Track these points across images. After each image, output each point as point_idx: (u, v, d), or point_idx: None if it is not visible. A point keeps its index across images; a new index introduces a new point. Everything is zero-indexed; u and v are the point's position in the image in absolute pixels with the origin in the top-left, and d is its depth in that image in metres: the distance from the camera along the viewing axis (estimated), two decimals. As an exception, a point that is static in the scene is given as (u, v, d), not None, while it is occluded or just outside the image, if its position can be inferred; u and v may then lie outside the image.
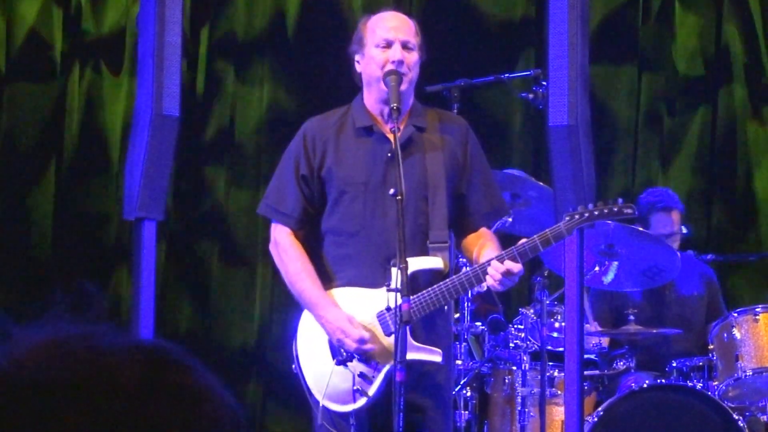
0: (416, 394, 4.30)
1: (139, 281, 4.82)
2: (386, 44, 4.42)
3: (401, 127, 4.39)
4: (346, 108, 4.57)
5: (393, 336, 4.15)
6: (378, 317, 4.32)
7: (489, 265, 4.26)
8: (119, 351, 1.17)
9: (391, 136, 4.36)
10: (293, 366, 4.47)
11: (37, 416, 1.11)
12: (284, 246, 4.50)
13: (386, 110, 4.39)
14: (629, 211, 4.44)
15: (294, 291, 4.46)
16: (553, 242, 4.35)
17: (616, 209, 4.42)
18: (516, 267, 4.24)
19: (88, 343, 1.17)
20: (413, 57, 4.42)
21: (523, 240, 4.32)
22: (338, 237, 4.45)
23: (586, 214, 4.39)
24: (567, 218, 4.39)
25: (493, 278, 4.24)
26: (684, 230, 6.43)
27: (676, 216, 6.46)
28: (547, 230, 4.34)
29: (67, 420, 1.11)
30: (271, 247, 4.56)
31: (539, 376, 5.65)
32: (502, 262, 4.24)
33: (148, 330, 4.82)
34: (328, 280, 4.44)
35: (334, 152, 4.47)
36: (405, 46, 4.41)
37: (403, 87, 4.38)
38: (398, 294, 4.06)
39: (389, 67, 4.38)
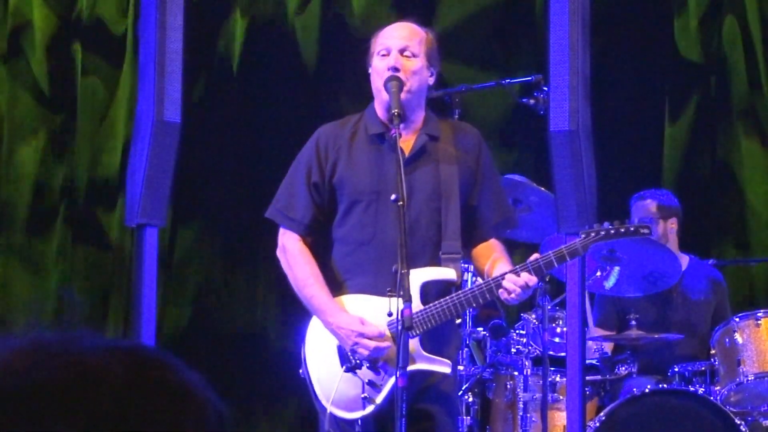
0: (424, 402, 4.31)
1: (140, 288, 4.81)
2: (386, 52, 4.43)
3: (414, 137, 4.44)
4: (360, 115, 4.57)
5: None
6: (389, 325, 4.31)
7: (502, 278, 4.27)
8: (100, 351, 1.17)
9: (402, 145, 4.35)
10: (300, 371, 4.47)
11: (25, 422, 1.11)
12: (292, 252, 4.48)
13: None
14: (646, 231, 4.46)
15: (302, 297, 4.45)
16: (568, 259, 4.37)
17: (632, 229, 4.44)
18: (532, 280, 4.26)
19: (68, 346, 1.17)
20: (412, 64, 4.41)
21: (537, 255, 4.34)
22: (349, 245, 4.45)
23: (603, 233, 4.40)
24: (583, 235, 4.39)
25: (508, 291, 4.25)
26: (670, 223, 6.46)
27: (651, 204, 6.48)
28: (563, 247, 4.36)
29: (56, 422, 1.11)
30: (279, 253, 4.54)
31: (541, 382, 5.65)
32: (518, 275, 4.25)
33: (150, 337, 4.82)
34: (337, 287, 4.44)
35: (347, 160, 4.46)
36: (402, 52, 4.41)
37: (402, 95, 4.38)
38: (399, 299, 4.06)
39: (386, 74, 4.39)
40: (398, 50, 4.41)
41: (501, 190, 4.64)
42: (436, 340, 4.36)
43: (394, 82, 4.36)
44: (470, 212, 4.50)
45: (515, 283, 4.23)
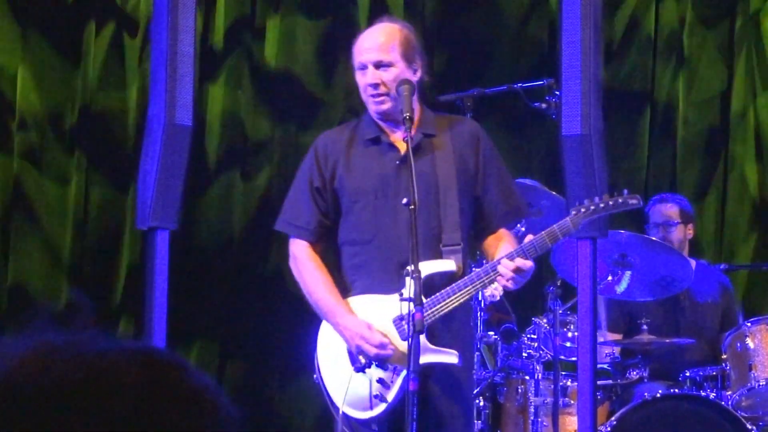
0: (435, 399, 4.31)
1: (152, 291, 4.81)
2: (362, 67, 4.48)
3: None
4: (357, 121, 4.64)
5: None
6: (394, 322, 4.33)
7: (498, 263, 4.28)
8: (113, 354, 1.16)
9: (398, 145, 4.45)
10: (315, 376, 4.49)
11: (39, 425, 1.10)
12: (301, 259, 4.54)
13: (387, 122, 4.46)
14: (634, 201, 4.46)
15: (311, 301, 4.50)
16: (560, 237, 4.38)
17: (621, 201, 4.44)
18: (526, 264, 4.27)
19: (80, 349, 1.16)
20: (390, 74, 4.43)
21: (531, 237, 4.35)
22: (352, 247, 4.49)
23: (592, 207, 4.42)
24: (573, 212, 4.41)
25: (504, 276, 4.26)
26: (687, 228, 6.45)
27: (673, 208, 6.48)
28: (554, 225, 4.37)
29: (71, 426, 1.10)
30: (291, 262, 4.60)
31: (552, 386, 5.65)
32: (512, 260, 4.26)
33: (161, 341, 4.82)
34: (345, 290, 4.47)
35: (345, 164, 4.51)
36: (378, 66, 4.45)
37: (387, 106, 4.42)
38: (411, 303, 4.07)
39: (368, 90, 4.45)
40: (373, 65, 4.45)
41: (507, 179, 4.64)
42: (447, 333, 4.37)
43: (406, 86, 4.40)
44: (477, 204, 4.52)
45: (508, 267, 4.25)
